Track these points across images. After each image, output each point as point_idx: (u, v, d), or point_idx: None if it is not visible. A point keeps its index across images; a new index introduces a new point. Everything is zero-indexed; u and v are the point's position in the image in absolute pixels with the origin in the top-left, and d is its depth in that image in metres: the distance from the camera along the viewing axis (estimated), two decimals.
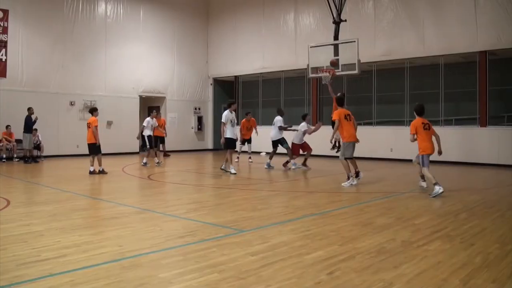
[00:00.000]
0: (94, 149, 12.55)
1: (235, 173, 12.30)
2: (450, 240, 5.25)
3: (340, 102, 10.47)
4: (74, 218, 6.54)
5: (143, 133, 15.38)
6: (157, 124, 15.86)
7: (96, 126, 12.44)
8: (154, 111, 16.09)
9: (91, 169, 12.46)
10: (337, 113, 10.03)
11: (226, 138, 12.36)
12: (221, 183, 11.22)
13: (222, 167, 12.87)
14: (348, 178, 10.04)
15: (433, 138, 8.80)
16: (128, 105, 20.75)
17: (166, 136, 17.83)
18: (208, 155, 21.67)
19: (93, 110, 12.82)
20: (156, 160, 15.42)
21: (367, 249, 4.83)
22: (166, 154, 19.07)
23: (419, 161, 8.84)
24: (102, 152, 12.69)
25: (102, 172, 12.43)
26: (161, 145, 18.74)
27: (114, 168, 14.19)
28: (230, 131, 12.31)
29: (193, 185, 11.24)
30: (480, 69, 15.48)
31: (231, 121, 12.26)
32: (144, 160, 15.08)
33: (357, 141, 10.15)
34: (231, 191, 9.73)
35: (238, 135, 12.67)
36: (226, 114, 12.24)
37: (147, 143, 15.35)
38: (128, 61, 20.91)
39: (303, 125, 13.89)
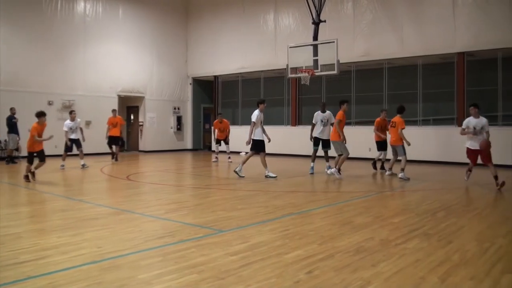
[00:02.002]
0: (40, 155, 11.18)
1: (275, 176, 11.38)
2: (428, 238, 5.33)
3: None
4: (53, 220, 6.45)
5: (70, 137, 14.12)
6: (76, 126, 14.29)
7: (34, 135, 10.89)
8: (74, 112, 14.65)
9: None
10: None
11: (255, 140, 11.50)
12: (200, 183, 11.19)
13: (266, 174, 11.48)
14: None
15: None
16: (106, 104, 20.46)
17: (120, 135, 17.09)
18: (188, 155, 21.56)
19: (38, 115, 11.18)
20: (62, 163, 13.95)
21: (346, 248, 4.88)
22: (116, 157, 16.87)
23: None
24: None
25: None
26: (114, 146, 17.03)
27: (93, 168, 14.07)
28: (260, 133, 11.51)
29: (172, 185, 11.18)
30: (458, 70, 15.71)
31: (261, 122, 11.64)
32: (62, 163, 14.00)
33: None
34: (210, 191, 9.71)
35: (265, 137, 11.67)
36: (257, 114, 11.47)
37: (67, 144, 14.13)
38: (107, 60, 20.68)
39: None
